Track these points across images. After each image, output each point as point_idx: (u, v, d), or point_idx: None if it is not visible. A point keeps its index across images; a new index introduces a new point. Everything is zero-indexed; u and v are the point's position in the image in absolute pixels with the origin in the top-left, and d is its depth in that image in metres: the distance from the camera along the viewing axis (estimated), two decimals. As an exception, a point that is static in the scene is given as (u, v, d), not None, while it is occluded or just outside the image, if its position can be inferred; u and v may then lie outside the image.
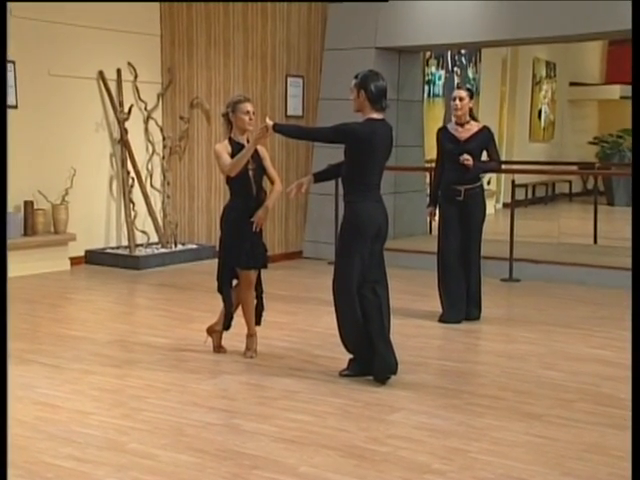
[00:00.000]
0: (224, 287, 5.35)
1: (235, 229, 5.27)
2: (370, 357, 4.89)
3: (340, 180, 5.05)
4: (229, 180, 5.30)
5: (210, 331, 5.52)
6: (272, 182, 5.39)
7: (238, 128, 5.27)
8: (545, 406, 4.51)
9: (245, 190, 5.26)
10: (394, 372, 4.89)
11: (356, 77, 4.87)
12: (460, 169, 6.29)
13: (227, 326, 5.44)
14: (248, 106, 5.24)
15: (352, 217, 4.86)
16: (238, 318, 5.44)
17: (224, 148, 5.26)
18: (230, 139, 5.31)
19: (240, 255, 5.26)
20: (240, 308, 5.42)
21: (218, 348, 5.49)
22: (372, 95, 4.77)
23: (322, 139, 5.23)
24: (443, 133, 6.49)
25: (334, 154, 5.10)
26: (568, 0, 8.13)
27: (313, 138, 5.17)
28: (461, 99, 6.32)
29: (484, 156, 6.53)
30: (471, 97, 6.37)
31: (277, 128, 4.99)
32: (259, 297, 5.44)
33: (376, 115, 4.81)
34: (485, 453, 3.83)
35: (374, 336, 4.86)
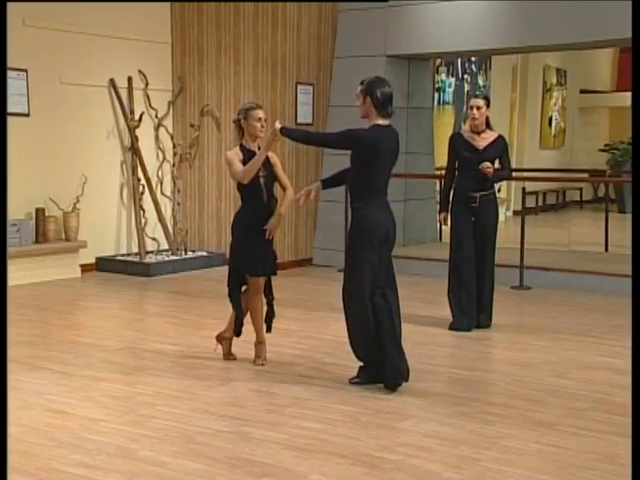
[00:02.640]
0: (233, 293, 5.35)
1: (246, 236, 5.28)
2: (380, 364, 4.88)
3: (347, 186, 5.05)
4: (240, 187, 5.31)
5: (220, 338, 5.52)
6: (284, 189, 5.39)
7: (249, 135, 5.28)
8: (556, 415, 4.49)
9: (256, 197, 5.26)
10: (405, 379, 4.89)
11: (362, 83, 4.90)
12: (477, 177, 6.30)
13: (238, 332, 5.43)
14: (260, 113, 5.25)
15: (360, 222, 4.87)
16: (248, 325, 5.44)
17: (235, 155, 5.27)
18: (241, 146, 5.32)
19: (250, 262, 5.26)
20: (249, 315, 5.42)
21: (228, 355, 5.49)
22: (378, 101, 4.79)
23: (328, 144, 5.22)
24: (457, 140, 6.48)
25: (344, 160, 5.10)
26: (579, 7, 8.12)
27: (320, 143, 5.18)
28: (479, 108, 6.32)
29: (496, 164, 6.53)
30: (488, 105, 6.37)
31: (285, 132, 4.99)
32: (270, 304, 5.44)
33: (382, 121, 4.83)
34: (496, 462, 3.81)
35: (385, 342, 4.85)
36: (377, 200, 4.87)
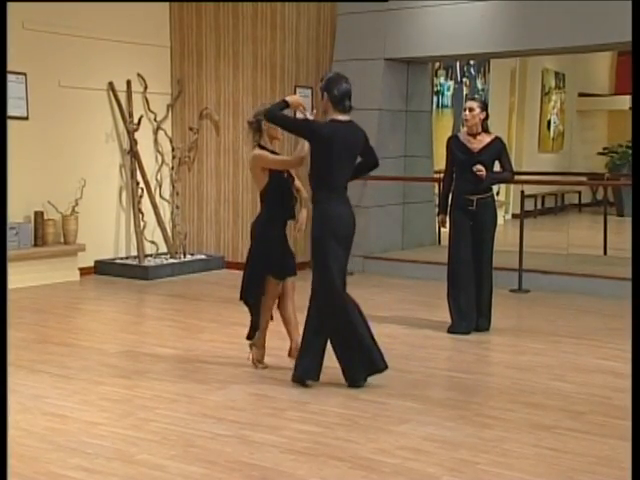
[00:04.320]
0: (254, 298, 5.31)
1: (274, 239, 5.26)
2: (360, 358, 4.94)
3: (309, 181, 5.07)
4: (267, 191, 5.23)
5: (253, 345, 5.45)
6: (298, 190, 5.41)
7: (269, 136, 5.26)
8: (555, 418, 4.49)
9: (284, 199, 5.26)
10: (380, 368, 4.94)
11: (322, 80, 4.99)
12: (473, 179, 6.30)
13: (251, 336, 5.40)
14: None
15: (321, 218, 4.90)
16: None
17: (267, 153, 5.21)
18: (261, 146, 5.27)
19: (290, 264, 5.31)
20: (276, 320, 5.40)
21: (259, 363, 5.40)
22: (334, 97, 4.86)
23: (288, 128, 5.09)
24: (454, 142, 6.48)
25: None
26: (577, 11, 8.13)
27: (283, 125, 5.15)
28: (471, 110, 6.32)
29: (496, 166, 6.53)
30: (484, 109, 6.36)
31: (269, 116, 4.97)
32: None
33: (341, 117, 4.89)
34: (494, 465, 3.81)
35: (361, 333, 4.91)
36: (337, 195, 4.92)
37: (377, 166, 5.19)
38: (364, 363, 4.97)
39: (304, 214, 5.36)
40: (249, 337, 5.42)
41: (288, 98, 5.04)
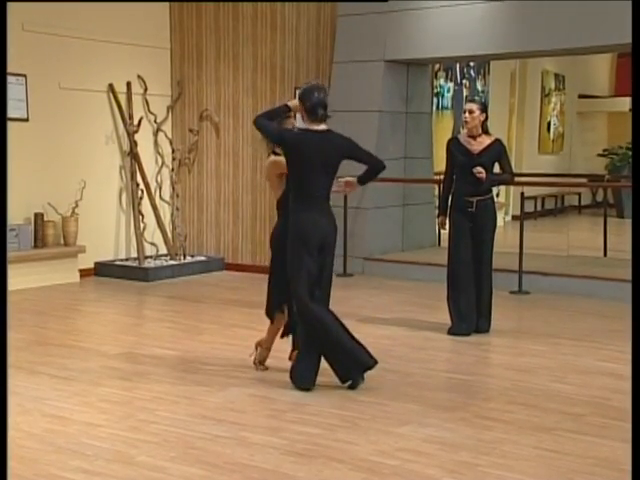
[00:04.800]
0: (286, 302, 5.26)
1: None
2: (346, 358, 4.95)
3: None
4: (285, 199, 5.15)
5: (258, 345, 5.43)
6: None
7: None
8: (555, 420, 4.49)
9: None
10: (370, 364, 4.94)
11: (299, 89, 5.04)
12: (473, 181, 6.30)
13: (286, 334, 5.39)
14: (293, 121, 5.25)
15: (293, 227, 4.92)
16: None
17: (280, 158, 5.20)
18: (275, 153, 5.25)
19: None
20: (273, 331, 5.36)
21: (260, 365, 5.40)
22: (307, 107, 4.91)
23: (265, 133, 5.12)
24: (454, 144, 6.48)
25: (358, 166, 5.16)
26: (577, 13, 8.13)
27: (265, 135, 5.17)
28: (471, 112, 6.32)
29: (496, 168, 6.53)
30: (483, 110, 6.36)
31: (255, 121, 5.02)
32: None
33: (315, 126, 4.92)
34: (494, 467, 3.81)
35: (337, 335, 4.90)
36: (313, 204, 4.91)
37: (383, 167, 5.13)
38: (351, 363, 4.96)
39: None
40: (284, 334, 5.37)
41: (290, 103, 5.06)
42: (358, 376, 4.98)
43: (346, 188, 5.28)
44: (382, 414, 4.54)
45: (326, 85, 9.66)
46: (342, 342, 4.92)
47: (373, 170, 5.14)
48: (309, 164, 4.88)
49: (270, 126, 5.01)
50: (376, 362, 4.98)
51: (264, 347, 5.38)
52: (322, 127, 4.94)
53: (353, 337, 4.99)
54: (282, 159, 5.14)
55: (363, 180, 5.21)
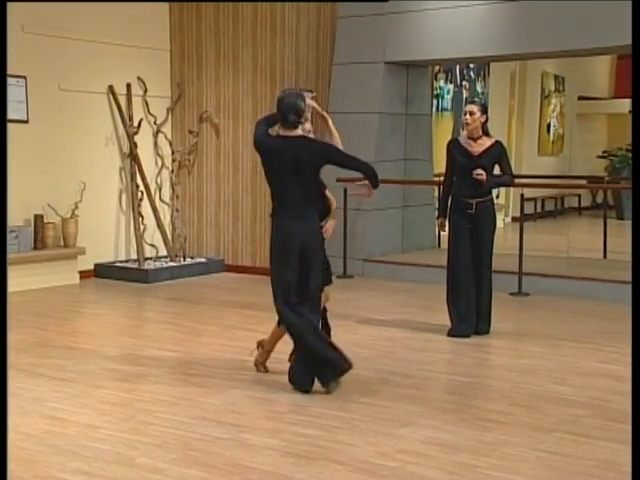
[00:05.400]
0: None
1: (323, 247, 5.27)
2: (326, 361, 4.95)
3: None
4: None
5: (260, 344, 5.42)
6: (327, 199, 5.34)
7: None
8: (555, 421, 4.49)
9: (323, 207, 5.24)
10: (344, 368, 4.92)
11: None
12: (473, 183, 6.30)
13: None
14: (308, 126, 5.24)
15: (272, 235, 4.98)
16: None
17: None
18: None
19: (328, 271, 5.29)
20: (277, 334, 5.32)
21: (261, 366, 5.38)
22: (280, 114, 4.96)
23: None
24: (455, 146, 6.48)
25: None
26: (577, 14, 8.14)
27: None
28: (471, 113, 6.32)
29: (496, 170, 6.53)
30: (484, 112, 6.36)
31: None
32: (325, 317, 5.38)
33: (288, 132, 4.93)
34: (494, 468, 3.80)
35: (310, 341, 4.92)
36: (287, 211, 4.92)
37: (373, 169, 5.03)
38: (326, 368, 4.94)
39: (331, 224, 5.27)
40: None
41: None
42: (331, 380, 4.94)
43: (365, 192, 5.17)
44: (382, 416, 4.54)
45: (326, 87, 9.73)
46: (316, 347, 4.91)
47: (367, 175, 5.05)
48: (281, 170, 4.91)
49: (257, 131, 5.08)
50: (350, 366, 4.93)
51: (265, 349, 5.38)
52: (295, 133, 4.94)
53: (329, 342, 4.98)
54: None
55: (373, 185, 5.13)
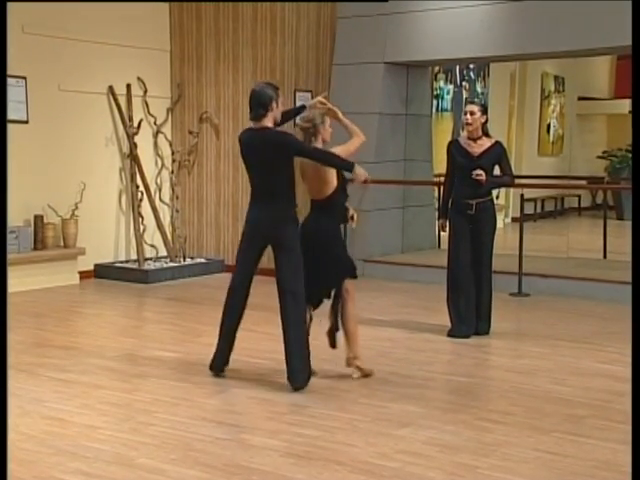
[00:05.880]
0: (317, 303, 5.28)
1: (342, 242, 5.36)
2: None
3: None
4: (335, 195, 5.15)
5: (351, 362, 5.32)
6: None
7: (324, 140, 5.23)
8: (555, 422, 4.48)
9: (344, 203, 5.28)
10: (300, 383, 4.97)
11: None
12: (472, 184, 6.30)
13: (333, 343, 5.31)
14: (328, 128, 5.26)
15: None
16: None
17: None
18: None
19: (351, 264, 5.26)
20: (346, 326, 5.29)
21: (362, 371, 5.28)
22: (249, 105, 5.07)
23: None
24: (455, 147, 6.48)
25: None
26: (577, 15, 8.14)
27: None
28: (472, 113, 6.32)
29: (497, 170, 6.53)
30: (484, 112, 6.36)
31: None
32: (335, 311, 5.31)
33: (253, 124, 5.06)
34: (494, 469, 3.80)
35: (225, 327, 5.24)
36: (257, 202, 5.09)
37: (331, 158, 4.99)
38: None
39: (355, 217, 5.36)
40: (333, 345, 5.27)
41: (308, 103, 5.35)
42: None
43: (362, 184, 5.18)
44: (382, 416, 4.54)
45: (326, 87, 9.73)
46: (291, 339, 4.98)
47: (333, 165, 5.03)
48: (248, 162, 5.09)
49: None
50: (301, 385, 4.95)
51: (354, 356, 5.22)
52: (260, 125, 5.02)
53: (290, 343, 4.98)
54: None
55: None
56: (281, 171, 5.00)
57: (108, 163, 9.28)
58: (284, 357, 4.98)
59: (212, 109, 9.63)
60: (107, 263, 9.21)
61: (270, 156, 4.96)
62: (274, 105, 5.02)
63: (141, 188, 9.34)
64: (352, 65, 9.42)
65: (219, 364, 5.24)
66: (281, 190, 5.01)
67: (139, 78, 9.45)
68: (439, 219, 6.78)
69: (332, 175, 5.10)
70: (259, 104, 4.98)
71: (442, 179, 6.91)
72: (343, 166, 5.03)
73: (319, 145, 5.14)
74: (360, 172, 5.04)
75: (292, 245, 5.00)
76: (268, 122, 5.00)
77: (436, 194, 9.92)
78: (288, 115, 5.45)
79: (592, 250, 10.24)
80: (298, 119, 5.34)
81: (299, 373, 4.95)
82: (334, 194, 5.13)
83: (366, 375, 5.24)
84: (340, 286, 5.14)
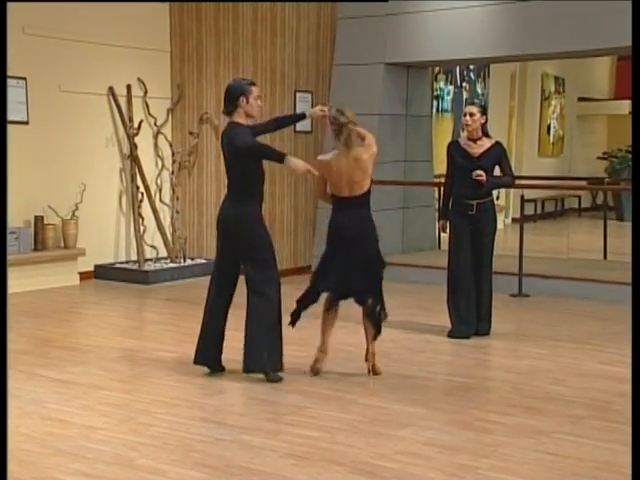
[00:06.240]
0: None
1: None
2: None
3: None
4: (368, 187, 5.25)
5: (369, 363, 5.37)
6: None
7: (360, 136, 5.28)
8: (555, 422, 4.48)
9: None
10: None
11: None
12: (473, 185, 6.30)
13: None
14: (357, 129, 5.27)
15: None
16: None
17: None
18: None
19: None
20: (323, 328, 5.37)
21: (374, 368, 5.34)
22: None
23: None
24: (455, 147, 6.49)
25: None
26: (577, 16, 8.14)
27: None
28: (472, 115, 6.32)
29: (497, 171, 6.53)
30: (483, 113, 6.37)
31: None
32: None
33: (229, 119, 5.14)
34: (494, 470, 3.80)
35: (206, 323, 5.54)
36: (227, 196, 5.21)
37: (250, 146, 5.02)
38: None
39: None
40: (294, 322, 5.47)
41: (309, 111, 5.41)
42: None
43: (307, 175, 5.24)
44: (382, 417, 4.54)
45: (326, 88, 9.73)
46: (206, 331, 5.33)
47: (274, 160, 5.17)
48: (223, 156, 5.18)
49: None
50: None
51: (371, 353, 5.30)
52: (230, 119, 5.10)
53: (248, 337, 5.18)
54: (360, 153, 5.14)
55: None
56: (242, 167, 5.05)
57: (108, 164, 9.28)
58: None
59: (212, 110, 9.62)
60: (107, 264, 9.21)
61: (229, 152, 5.09)
62: (243, 100, 5.03)
63: (141, 189, 9.34)
64: (352, 66, 9.42)
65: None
66: (244, 185, 5.08)
67: (139, 79, 9.45)
68: (439, 220, 6.78)
69: (371, 165, 5.13)
70: (227, 99, 5.09)
71: (442, 180, 6.91)
72: (276, 157, 5.11)
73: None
74: (297, 163, 5.00)
75: (256, 239, 5.16)
76: (238, 117, 5.06)
77: (436, 195, 9.91)
78: (286, 121, 5.48)
79: (592, 251, 10.23)
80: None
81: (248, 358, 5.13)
82: (370, 187, 5.18)
83: (376, 373, 5.28)
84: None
